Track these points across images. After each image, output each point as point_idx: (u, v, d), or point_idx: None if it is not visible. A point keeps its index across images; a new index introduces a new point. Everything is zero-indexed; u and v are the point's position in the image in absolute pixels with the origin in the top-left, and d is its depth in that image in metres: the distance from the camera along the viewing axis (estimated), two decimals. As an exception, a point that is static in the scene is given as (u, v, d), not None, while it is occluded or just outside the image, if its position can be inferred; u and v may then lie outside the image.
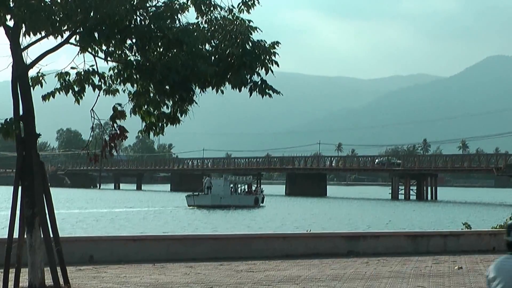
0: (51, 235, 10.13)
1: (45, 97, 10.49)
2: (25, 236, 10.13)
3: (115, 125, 10.54)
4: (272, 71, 10.29)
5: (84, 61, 10.40)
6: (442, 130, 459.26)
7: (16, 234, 10.16)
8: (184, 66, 9.79)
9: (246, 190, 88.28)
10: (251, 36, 10.28)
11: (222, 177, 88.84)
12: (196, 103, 10.45)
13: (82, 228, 46.33)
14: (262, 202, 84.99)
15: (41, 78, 10.44)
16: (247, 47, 10.20)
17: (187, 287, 11.87)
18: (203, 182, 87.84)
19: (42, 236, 10.07)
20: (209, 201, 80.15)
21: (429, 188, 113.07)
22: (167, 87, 10.24)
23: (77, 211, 67.00)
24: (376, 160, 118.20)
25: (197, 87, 10.25)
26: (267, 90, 10.41)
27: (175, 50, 9.93)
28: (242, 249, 16.47)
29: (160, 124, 10.70)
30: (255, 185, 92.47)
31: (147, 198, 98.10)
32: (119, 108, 10.50)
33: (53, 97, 10.50)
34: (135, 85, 10.47)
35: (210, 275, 13.33)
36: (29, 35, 9.88)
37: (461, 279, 13.45)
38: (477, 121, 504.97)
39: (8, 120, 10.03)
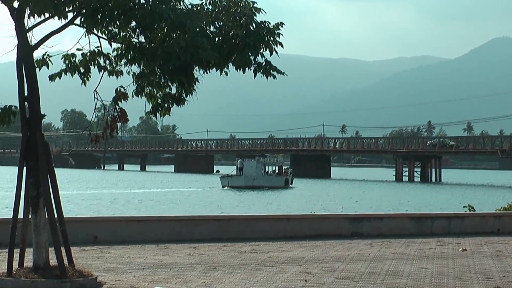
0: (56, 216, 10.16)
1: (52, 77, 10.48)
2: (30, 216, 10.15)
3: (117, 107, 10.54)
4: (276, 52, 10.26)
5: (89, 42, 10.37)
6: (447, 112, 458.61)
7: (20, 214, 10.19)
8: (185, 51, 9.76)
9: (277, 171, 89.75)
10: (255, 17, 10.23)
11: (254, 159, 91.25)
12: (194, 89, 10.43)
13: (137, 209, 47.07)
14: (291, 183, 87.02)
15: (47, 60, 10.42)
16: (251, 28, 10.17)
17: (190, 268, 11.92)
18: (236, 163, 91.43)
19: (46, 216, 10.10)
20: (242, 182, 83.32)
21: (433, 170, 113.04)
22: (169, 71, 10.21)
23: (106, 192, 68.10)
24: (428, 142, 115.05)
25: (200, 70, 10.22)
26: (271, 71, 10.39)
27: (178, 32, 9.88)
28: (246, 230, 16.51)
29: (166, 105, 10.69)
30: (285, 167, 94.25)
31: (174, 179, 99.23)
32: (121, 90, 10.49)
33: (60, 77, 10.48)
34: (140, 66, 10.44)
35: (214, 256, 13.37)
36: (34, 17, 9.85)
37: (465, 261, 13.48)
38: (482, 103, 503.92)
39: (6, 107, 10.02)
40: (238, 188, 79.44)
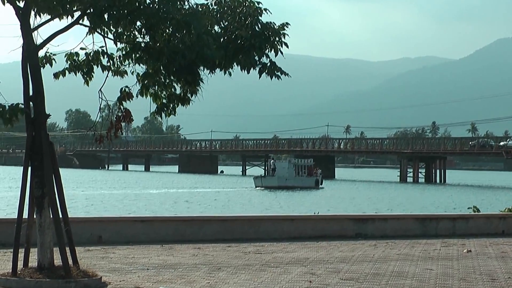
0: (61, 215, 10.16)
1: (56, 75, 10.47)
2: (35, 216, 10.16)
3: (121, 107, 10.54)
4: (281, 53, 10.25)
5: (93, 41, 10.37)
6: (451, 113, 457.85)
7: (25, 214, 10.19)
8: (190, 50, 9.75)
9: (307, 172, 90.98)
10: (260, 18, 10.23)
11: (286, 160, 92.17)
12: (200, 89, 10.42)
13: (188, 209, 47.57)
14: (321, 183, 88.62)
15: (52, 58, 10.42)
16: (257, 28, 10.16)
17: (195, 268, 11.92)
18: (268, 164, 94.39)
19: (51, 216, 10.10)
20: (275, 182, 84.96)
21: (437, 171, 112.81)
22: (174, 69, 10.21)
23: (154, 191, 68.89)
24: (471, 143, 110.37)
25: (205, 69, 10.21)
26: (276, 72, 10.38)
27: (184, 32, 9.87)
28: (250, 230, 16.51)
29: (171, 105, 10.68)
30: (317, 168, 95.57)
31: (202, 180, 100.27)
32: (126, 90, 10.49)
33: (64, 75, 10.47)
34: (145, 66, 10.43)
35: (218, 257, 13.37)
36: (40, 16, 9.85)
37: (470, 262, 13.45)
38: (486, 103, 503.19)
39: (13, 105, 9.99)
40: (271, 188, 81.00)
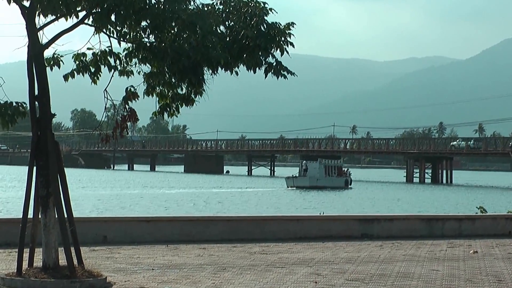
0: (66, 215, 10.15)
1: (66, 77, 10.46)
2: (40, 216, 10.15)
3: (127, 106, 10.53)
4: (287, 53, 10.23)
5: (100, 41, 10.36)
6: (458, 113, 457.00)
7: (30, 214, 10.19)
8: (195, 50, 9.73)
9: (337, 172, 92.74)
10: (266, 17, 10.20)
11: (317, 161, 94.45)
12: (204, 90, 10.39)
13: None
14: (350, 184, 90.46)
15: (59, 59, 10.41)
16: (262, 28, 10.13)
17: (200, 269, 11.90)
18: (300, 165, 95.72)
19: (56, 216, 10.09)
20: (307, 182, 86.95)
21: (444, 171, 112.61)
22: (178, 70, 10.19)
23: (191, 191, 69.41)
24: (511, 144, 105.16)
25: (209, 70, 10.19)
26: (282, 72, 10.35)
27: (188, 32, 9.85)
28: (256, 230, 16.48)
29: (174, 105, 10.67)
30: (345, 168, 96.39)
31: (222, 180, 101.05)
32: (131, 89, 10.48)
33: (72, 77, 10.46)
34: (150, 65, 10.41)
35: (223, 257, 13.35)
36: (45, 16, 9.85)
37: (476, 263, 13.40)
38: (493, 104, 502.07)
39: (14, 105, 9.97)
40: (303, 188, 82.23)
